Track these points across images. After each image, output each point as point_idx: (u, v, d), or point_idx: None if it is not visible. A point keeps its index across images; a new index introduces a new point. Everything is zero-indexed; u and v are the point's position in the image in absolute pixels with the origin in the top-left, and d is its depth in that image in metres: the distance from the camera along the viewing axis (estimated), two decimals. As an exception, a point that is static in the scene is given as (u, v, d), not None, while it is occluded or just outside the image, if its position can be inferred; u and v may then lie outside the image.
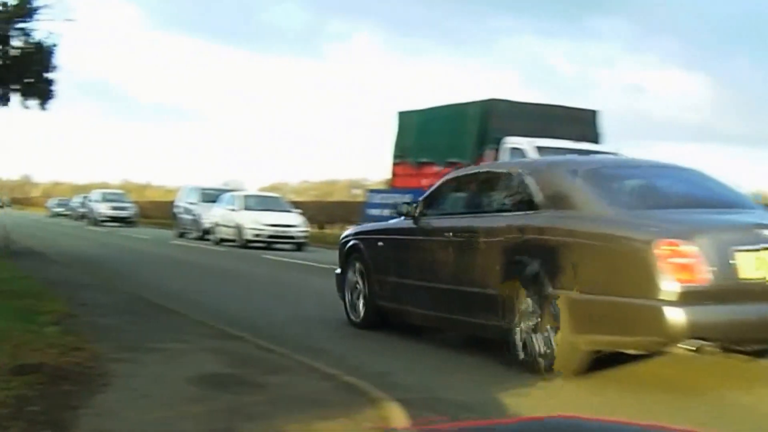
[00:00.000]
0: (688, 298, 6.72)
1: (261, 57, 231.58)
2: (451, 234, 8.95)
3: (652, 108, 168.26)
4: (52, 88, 22.34)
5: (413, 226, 9.68)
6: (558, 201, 7.90)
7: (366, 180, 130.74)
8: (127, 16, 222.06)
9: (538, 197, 8.03)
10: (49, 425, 5.22)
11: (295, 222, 29.37)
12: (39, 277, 13.95)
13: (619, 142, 21.66)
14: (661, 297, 6.72)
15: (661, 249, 6.75)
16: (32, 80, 21.81)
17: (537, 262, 7.61)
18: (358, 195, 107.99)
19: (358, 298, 10.60)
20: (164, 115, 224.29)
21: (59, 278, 14.69)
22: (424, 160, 20.60)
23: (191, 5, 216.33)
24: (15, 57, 21.05)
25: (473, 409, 6.62)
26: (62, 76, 22.43)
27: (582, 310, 7.25)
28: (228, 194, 33.35)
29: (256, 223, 29.06)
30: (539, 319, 7.58)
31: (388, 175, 22.72)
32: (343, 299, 10.94)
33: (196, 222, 35.05)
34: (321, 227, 40.53)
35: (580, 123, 19.77)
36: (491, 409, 6.63)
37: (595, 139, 19.66)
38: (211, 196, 34.99)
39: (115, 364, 7.11)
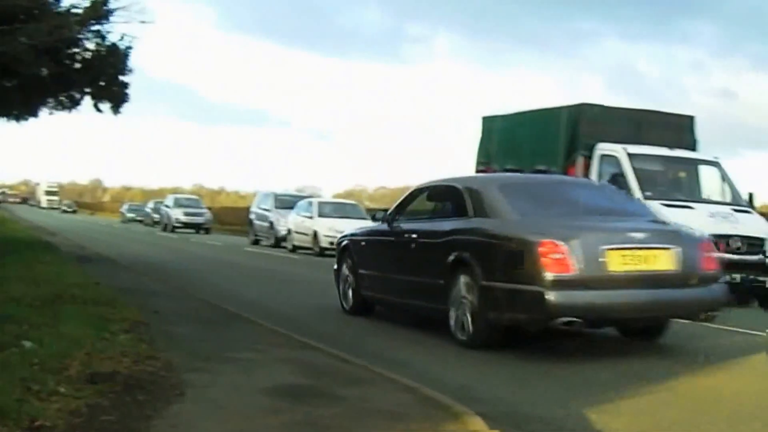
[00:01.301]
0: (562, 285, 8.93)
1: (339, 61, 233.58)
2: (409, 235, 11.44)
3: (744, 114, 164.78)
4: (126, 91, 22.66)
5: (386, 228, 12.25)
6: (482, 210, 10.33)
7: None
8: (202, 18, 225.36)
9: (469, 207, 10.49)
10: (122, 435, 5.29)
11: (372, 230, 29.28)
12: (110, 284, 14.15)
13: (708, 149, 21.12)
14: (542, 284, 8.91)
15: (543, 247, 8.99)
16: (105, 83, 22.15)
17: (465, 257, 9.96)
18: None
19: (348, 289, 13.12)
20: (238, 119, 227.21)
21: (131, 285, 14.92)
22: (511, 166, 20.35)
23: (267, 9, 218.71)
24: (88, 59, 21.38)
25: (557, 425, 6.56)
26: (135, 78, 22.63)
27: (492, 295, 9.47)
28: (303, 201, 33.52)
29: (332, 230, 29.09)
30: (466, 302, 9.85)
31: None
32: (338, 290, 13.47)
33: (270, 229, 35.30)
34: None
35: (676, 129, 19.28)
36: (574, 426, 6.55)
37: (691, 147, 19.18)
38: (285, 203, 35.19)
39: (190, 373, 7.19)
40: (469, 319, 9.79)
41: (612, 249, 9.12)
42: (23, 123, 24.64)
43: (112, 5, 19.17)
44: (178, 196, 59.77)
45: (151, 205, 64.94)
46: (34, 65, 18.75)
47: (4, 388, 5.60)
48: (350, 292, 13.01)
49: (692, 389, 8.08)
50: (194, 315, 11.62)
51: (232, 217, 60.72)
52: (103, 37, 21.01)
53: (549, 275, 8.91)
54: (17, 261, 16.51)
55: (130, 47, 21.32)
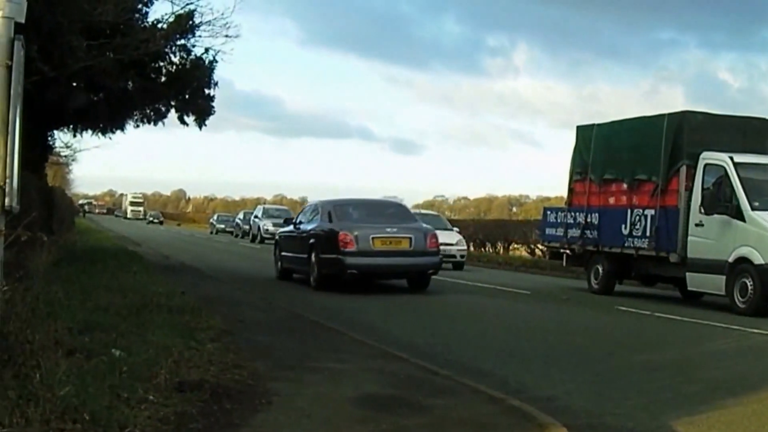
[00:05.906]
0: (350, 254, 17.95)
1: (420, 72, 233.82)
2: (299, 232, 20.43)
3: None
4: (211, 104, 22.90)
5: (292, 228, 21.39)
6: (324, 217, 19.49)
7: (526, 198, 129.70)
8: (285, 31, 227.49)
9: (321, 216, 19.64)
10: (210, 443, 5.30)
11: (454, 240, 28.86)
12: (195, 293, 14.29)
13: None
14: (341, 254, 17.99)
15: (341, 236, 18.11)
16: (190, 96, 22.39)
17: (315, 242, 18.95)
18: (517, 213, 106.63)
19: (277, 264, 22.27)
20: (320, 130, 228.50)
21: (215, 294, 15.08)
22: (609, 176, 19.89)
23: (346, 21, 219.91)
24: (173, 73, 21.64)
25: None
26: (220, 92, 22.75)
27: (323, 260, 18.51)
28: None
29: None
30: (314, 266, 18.83)
31: (561, 192, 22.14)
32: (274, 265, 22.48)
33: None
34: (482, 246, 40.41)
35: None
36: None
37: None
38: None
39: (276, 382, 7.22)
40: (315, 274, 18.72)
41: (376, 237, 18.13)
42: (110, 136, 25.06)
43: (197, 20, 19.41)
44: (268, 206, 58.69)
45: (240, 215, 63.92)
46: (121, 79, 19.07)
47: (94, 395, 5.66)
48: (279, 266, 22.03)
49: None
50: (278, 324, 11.69)
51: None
52: (188, 51, 21.27)
53: (344, 250, 17.91)
54: (104, 270, 16.76)
55: (214, 61, 21.53)
